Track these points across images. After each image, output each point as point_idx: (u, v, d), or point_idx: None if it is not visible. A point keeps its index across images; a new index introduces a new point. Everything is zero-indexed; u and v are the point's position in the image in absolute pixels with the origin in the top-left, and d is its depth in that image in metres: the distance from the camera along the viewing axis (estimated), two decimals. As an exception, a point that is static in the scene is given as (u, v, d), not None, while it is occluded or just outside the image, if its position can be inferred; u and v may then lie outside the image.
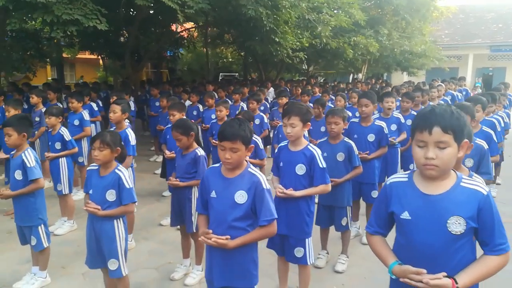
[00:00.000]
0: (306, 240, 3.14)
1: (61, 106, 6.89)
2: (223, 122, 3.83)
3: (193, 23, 11.87)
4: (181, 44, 14.96)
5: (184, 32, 12.79)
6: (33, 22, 7.99)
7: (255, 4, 7.05)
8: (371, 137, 4.39)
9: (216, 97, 7.87)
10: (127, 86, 10.29)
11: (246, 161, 2.41)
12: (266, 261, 3.67)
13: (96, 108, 7.62)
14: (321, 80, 20.75)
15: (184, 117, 4.84)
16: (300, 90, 8.27)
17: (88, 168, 3.08)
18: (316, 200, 3.70)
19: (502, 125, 5.58)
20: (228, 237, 2.25)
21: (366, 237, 2.01)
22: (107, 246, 2.90)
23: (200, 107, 7.79)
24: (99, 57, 14.99)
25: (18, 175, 3.32)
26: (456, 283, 1.65)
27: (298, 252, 3.14)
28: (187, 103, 8.35)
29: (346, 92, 8.77)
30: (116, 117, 4.19)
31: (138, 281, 3.77)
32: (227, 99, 7.43)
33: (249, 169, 2.36)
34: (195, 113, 7.79)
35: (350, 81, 19.42)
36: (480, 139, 4.02)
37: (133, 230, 4.58)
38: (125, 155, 3.23)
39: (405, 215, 1.78)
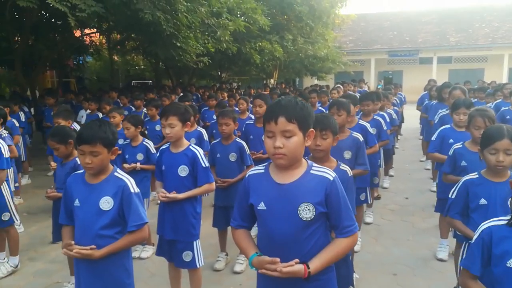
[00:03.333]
0: (194, 243, 3.09)
1: None
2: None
3: (93, 29, 11.25)
4: (85, 51, 14.17)
5: (86, 38, 12.08)
6: None
7: (152, 8, 6.88)
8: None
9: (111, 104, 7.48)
10: (17, 96, 9.43)
11: (113, 165, 2.28)
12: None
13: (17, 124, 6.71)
14: (235, 86, 21.01)
15: (71, 125, 4.53)
16: (207, 94, 8.30)
17: None
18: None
19: (388, 120, 6.03)
20: (93, 246, 2.11)
21: (231, 232, 2.00)
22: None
23: (100, 114, 7.40)
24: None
25: None
26: (308, 268, 1.70)
27: (187, 256, 3.07)
28: (88, 111, 7.96)
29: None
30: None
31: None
32: (118, 106, 7.16)
33: (115, 173, 2.24)
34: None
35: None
36: (356, 132, 4.32)
37: (18, 252, 4.16)
38: None
39: (261, 205, 1.80)
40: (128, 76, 24.89)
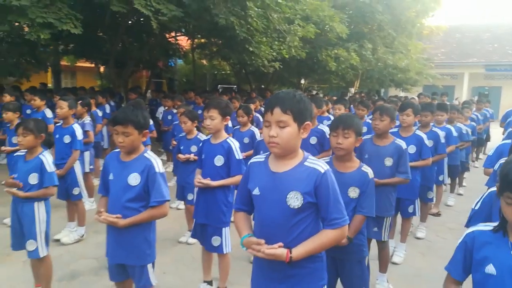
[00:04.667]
0: (223, 229, 3.28)
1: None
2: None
3: (180, 32, 12.11)
4: (174, 54, 15.25)
5: (171, 40, 13.05)
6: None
7: (227, 13, 7.27)
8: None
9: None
10: (105, 90, 10.48)
11: (144, 146, 2.57)
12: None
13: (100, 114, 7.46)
14: (316, 93, 21.00)
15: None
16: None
17: (15, 154, 3.25)
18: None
19: (455, 134, 5.69)
20: (119, 216, 2.40)
21: (233, 214, 2.14)
22: (26, 227, 3.05)
23: (174, 111, 7.97)
24: (94, 65, 15.27)
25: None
26: (291, 253, 1.78)
27: (215, 241, 3.27)
28: (165, 108, 8.63)
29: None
30: (63, 113, 4.39)
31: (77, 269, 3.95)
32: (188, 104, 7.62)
33: (145, 154, 2.52)
34: (169, 117, 8.01)
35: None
36: (412, 142, 4.18)
37: (84, 223, 4.73)
38: (52, 142, 3.38)
39: (256, 191, 1.93)
40: (215, 80, 26.14)
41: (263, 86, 17.25)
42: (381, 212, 3.37)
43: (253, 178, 1.97)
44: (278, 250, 1.78)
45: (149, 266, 2.55)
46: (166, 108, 8.44)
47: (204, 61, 21.00)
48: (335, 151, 2.62)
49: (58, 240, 4.53)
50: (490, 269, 1.55)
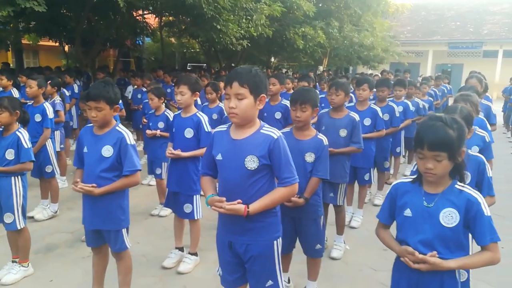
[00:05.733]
0: (194, 196, 3.54)
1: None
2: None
3: (148, 10, 11.98)
4: (141, 33, 15.04)
5: (139, 18, 12.88)
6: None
7: (194, -9, 7.32)
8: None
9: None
10: (72, 70, 10.37)
11: (116, 120, 2.75)
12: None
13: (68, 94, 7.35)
14: (285, 71, 21.27)
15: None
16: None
17: None
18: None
19: (412, 109, 6.09)
20: (94, 185, 2.59)
21: (200, 178, 2.37)
22: (4, 201, 3.19)
23: (144, 89, 8.02)
24: (58, 44, 14.88)
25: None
26: (248, 208, 2.05)
27: (187, 208, 3.53)
28: (134, 87, 8.66)
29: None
30: (33, 92, 4.46)
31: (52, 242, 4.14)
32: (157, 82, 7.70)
33: (116, 128, 2.70)
34: (139, 96, 8.07)
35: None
36: (367, 115, 4.52)
37: (58, 200, 4.87)
38: (27, 119, 3.50)
39: (219, 156, 2.18)
40: (184, 58, 25.89)
41: (233, 65, 17.35)
42: (336, 179, 3.70)
43: (216, 145, 2.21)
44: (237, 206, 2.04)
45: (124, 230, 2.77)
46: (136, 87, 8.50)
47: (173, 39, 20.77)
48: (295, 123, 2.90)
49: (32, 217, 4.66)
50: (407, 212, 1.87)
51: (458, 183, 1.83)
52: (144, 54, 22.64)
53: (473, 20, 27.06)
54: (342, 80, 4.18)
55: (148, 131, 4.67)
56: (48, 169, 4.65)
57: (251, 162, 2.08)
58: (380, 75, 11.41)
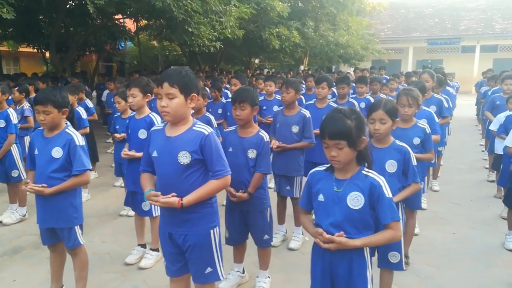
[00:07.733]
0: (151, 196, 3.65)
1: None
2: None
3: (125, 15, 12.05)
4: (120, 37, 15.08)
5: (117, 22, 12.94)
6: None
7: (162, -5, 7.42)
8: None
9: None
10: (47, 76, 10.42)
11: (66, 123, 2.87)
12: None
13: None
14: (267, 72, 21.46)
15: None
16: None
17: None
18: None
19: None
20: (44, 185, 2.71)
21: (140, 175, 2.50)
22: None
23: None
24: (36, 50, 14.85)
25: None
26: (182, 200, 2.19)
27: (145, 206, 3.65)
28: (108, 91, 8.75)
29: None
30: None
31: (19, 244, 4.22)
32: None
33: (66, 130, 2.82)
34: (113, 100, 8.13)
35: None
36: (325, 112, 4.67)
37: (25, 204, 4.94)
38: None
39: (155, 153, 2.32)
40: (166, 61, 25.94)
41: (215, 65, 17.49)
42: (291, 173, 3.86)
43: (153, 143, 2.35)
44: (171, 199, 2.18)
45: (77, 228, 2.88)
46: (110, 91, 8.59)
47: (155, 43, 20.81)
48: (236, 121, 3.04)
49: (0, 222, 4.74)
50: (321, 197, 2.02)
51: (365, 169, 2.00)
52: (126, 58, 22.66)
53: (450, 17, 27.57)
54: (292, 79, 4.35)
55: (116, 134, 4.78)
56: (14, 173, 4.73)
57: (184, 157, 2.22)
58: (353, 73, 11.62)
